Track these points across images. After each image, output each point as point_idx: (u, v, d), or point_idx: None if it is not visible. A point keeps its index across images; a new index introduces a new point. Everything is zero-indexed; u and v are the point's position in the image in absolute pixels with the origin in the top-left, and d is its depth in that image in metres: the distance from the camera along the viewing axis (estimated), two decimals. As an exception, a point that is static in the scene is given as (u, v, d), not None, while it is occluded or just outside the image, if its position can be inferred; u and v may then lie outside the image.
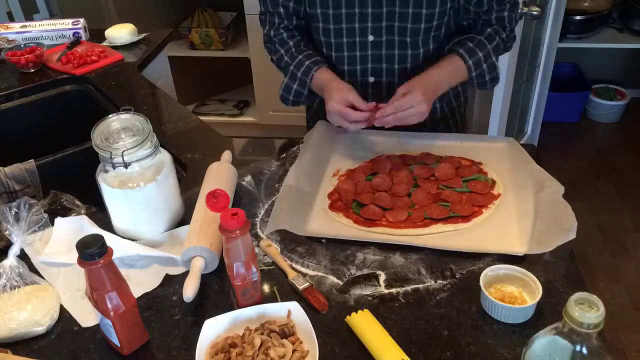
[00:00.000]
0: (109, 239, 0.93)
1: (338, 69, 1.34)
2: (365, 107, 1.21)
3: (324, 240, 1.07)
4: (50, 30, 1.99)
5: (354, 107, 1.21)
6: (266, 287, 0.98)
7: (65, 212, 1.15)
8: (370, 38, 1.28)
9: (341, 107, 1.20)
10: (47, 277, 1.02)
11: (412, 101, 1.17)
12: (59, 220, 1.12)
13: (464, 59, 1.26)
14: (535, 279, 0.90)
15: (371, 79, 1.35)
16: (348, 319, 0.89)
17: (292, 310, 0.88)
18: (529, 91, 2.64)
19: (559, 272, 0.96)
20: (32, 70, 1.82)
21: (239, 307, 0.90)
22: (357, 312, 0.88)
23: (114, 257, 0.81)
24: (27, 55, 1.80)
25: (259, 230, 1.11)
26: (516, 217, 1.08)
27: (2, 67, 1.85)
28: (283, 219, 1.09)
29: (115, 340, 0.86)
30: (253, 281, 0.89)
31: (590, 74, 3.26)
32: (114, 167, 1.02)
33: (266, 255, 1.04)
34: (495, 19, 1.28)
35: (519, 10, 1.38)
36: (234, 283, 0.89)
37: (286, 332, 0.86)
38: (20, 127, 1.71)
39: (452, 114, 1.46)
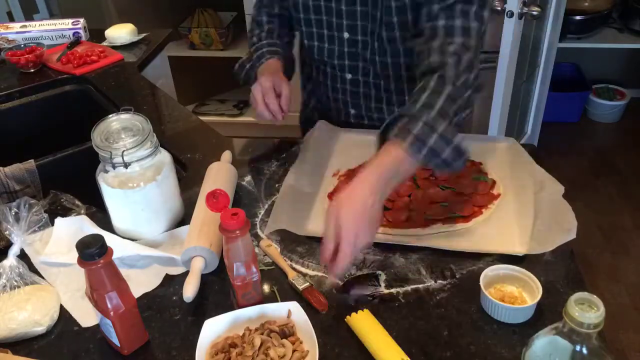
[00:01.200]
0: (109, 239, 0.93)
1: (319, 59, 1.34)
2: (284, 106, 1.22)
3: (324, 240, 1.07)
4: (50, 30, 1.99)
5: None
6: (266, 287, 0.98)
7: (65, 212, 1.15)
8: (346, 35, 1.26)
9: (269, 88, 1.20)
10: (47, 277, 1.02)
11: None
12: (59, 220, 1.12)
13: (402, 142, 0.94)
14: (535, 279, 0.90)
15: (348, 76, 1.34)
16: (348, 319, 0.89)
17: (292, 310, 0.88)
18: (529, 91, 2.63)
19: (559, 272, 0.96)
20: (32, 70, 1.82)
21: (239, 307, 0.90)
22: (357, 312, 0.88)
23: (114, 257, 0.81)
24: (27, 55, 1.80)
25: (259, 230, 1.11)
26: (516, 217, 1.08)
27: (2, 67, 1.85)
28: (283, 219, 1.09)
29: (115, 340, 0.86)
30: (253, 281, 0.89)
31: (590, 74, 3.26)
32: (114, 167, 1.02)
33: (266, 255, 1.04)
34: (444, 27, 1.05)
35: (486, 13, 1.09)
36: (234, 283, 0.89)
37: (286, 332, 0.86)
38: (20, 127, 1.71)
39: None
